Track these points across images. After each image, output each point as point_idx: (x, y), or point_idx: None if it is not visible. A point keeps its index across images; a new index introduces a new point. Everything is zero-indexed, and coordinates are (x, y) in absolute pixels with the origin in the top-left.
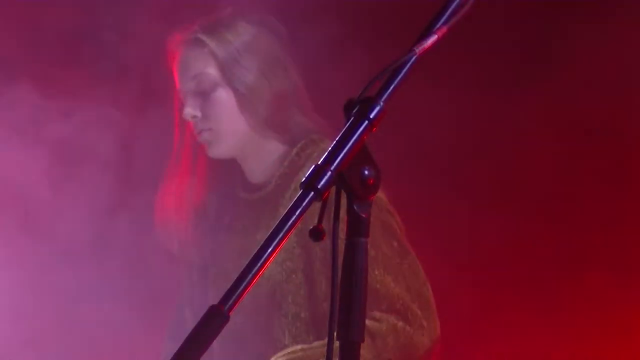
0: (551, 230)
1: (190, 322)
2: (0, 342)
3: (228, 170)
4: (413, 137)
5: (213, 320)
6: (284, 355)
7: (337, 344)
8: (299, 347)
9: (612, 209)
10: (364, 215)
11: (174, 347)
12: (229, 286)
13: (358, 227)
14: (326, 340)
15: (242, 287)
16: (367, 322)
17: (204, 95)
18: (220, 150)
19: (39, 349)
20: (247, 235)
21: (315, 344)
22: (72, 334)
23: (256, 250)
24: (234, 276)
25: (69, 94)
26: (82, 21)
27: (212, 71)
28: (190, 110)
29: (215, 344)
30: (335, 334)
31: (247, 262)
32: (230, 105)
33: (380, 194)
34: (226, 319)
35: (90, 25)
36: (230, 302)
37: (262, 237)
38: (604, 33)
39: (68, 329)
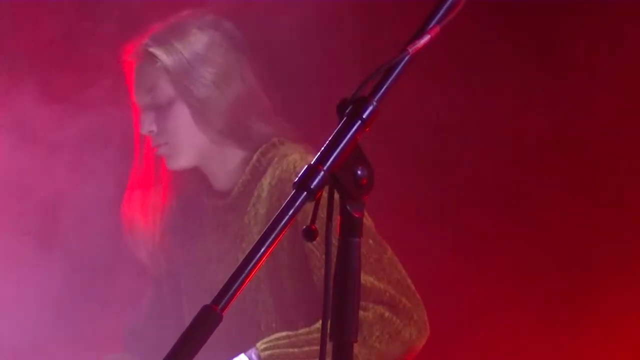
0: (552, 231)
1: (146, 329)
2: (3, 345)
3: (192, 177)
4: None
5: (206, 321)
6: (270, 341)
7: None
8: (284, 333)
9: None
10: (357, 215)
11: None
12: (200, 291)
13: (351, 227)
14: (311, 327)
15: (234, 288)
16: None
17: (159, 109)
18: (179, 163)
19: (42, 351)
20: (216, 242)
21: (301, 331)
22: (75, 336)
23: (248, 251)
24: (206, 282)
25: (73, 96)
26: (81, 22)
27: (165, 86)
28: (146, 126)
29: None
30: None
31: (239, 263)
32: (185, 118)
33: None
34: (219, 319)
35: (90, 27)
36: (223, 302)
37: (229, 244)
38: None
39: (70, 331)
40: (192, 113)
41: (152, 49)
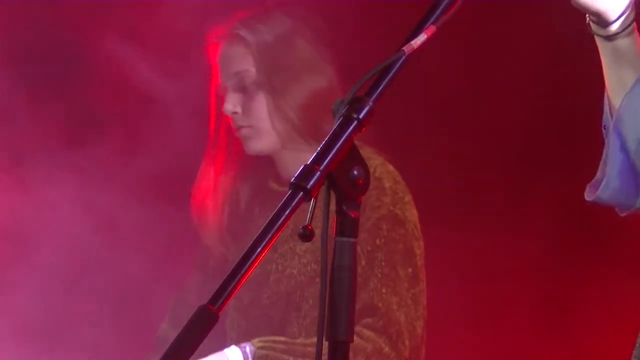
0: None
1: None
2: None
3: (262, 162)
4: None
5: (202, 321)
6: (267, 341)
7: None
8: (282, 338)
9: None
10: (353, 215)
11: (170, 332)
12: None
13: (347, 227)
14: (309, 340)
15: (230, 287)
16: (355, 338)
17: (244, 92)
18: (259, 147)
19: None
20: None
21: (298, 340)
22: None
23: (245, 250)
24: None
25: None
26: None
27: (252, 69)
28: (230, 107)
29: (229, 332)
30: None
31: (236, 262)
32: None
33: (412, 216)
34: (215, 318)
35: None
36: (220, 302)
37: (287, 234)
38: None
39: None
40: (269, 102)
41: (240, 31)
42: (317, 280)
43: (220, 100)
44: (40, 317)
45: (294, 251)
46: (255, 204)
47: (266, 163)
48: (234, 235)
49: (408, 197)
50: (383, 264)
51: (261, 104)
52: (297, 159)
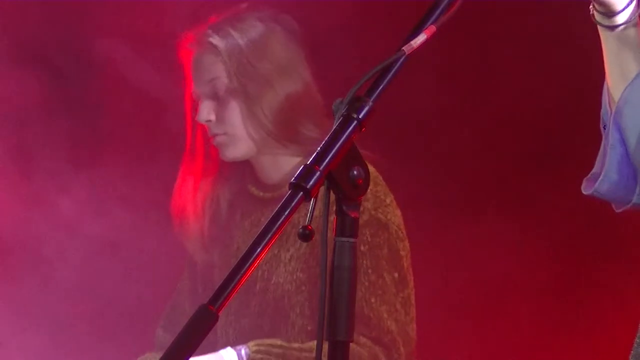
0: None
1: (188, 312)
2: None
3: (241, 167)
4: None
5: (202, 321)
6: (263, 344)
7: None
8: (278, 342)
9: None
10: (353, 215)
11: (166, 336)
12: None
13: (347, 227)
14: (306, 344)
15: (230, 287)
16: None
17: (218, 99)
18: (235, 154)
19: None
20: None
21: (295, 345)
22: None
23: (245, 250)
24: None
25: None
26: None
27: (224, 76)
28: (204, 115)
29: (220, 340)
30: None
31: (236, 262)
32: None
33: (395, 218)
34: (215, 318)
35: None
36: (219, 301)
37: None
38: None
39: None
40: (243, 108)
41: (211, 38)
42: (304, 288)
43: (196, 106)
44: (49, 328)
45: (279, 259)
46: (237, 209)
47: (244, 168)
48: (216, 241)
49: (390, 199)
50: (369, 271)
51: (234, 111)
52: (275, 163)
